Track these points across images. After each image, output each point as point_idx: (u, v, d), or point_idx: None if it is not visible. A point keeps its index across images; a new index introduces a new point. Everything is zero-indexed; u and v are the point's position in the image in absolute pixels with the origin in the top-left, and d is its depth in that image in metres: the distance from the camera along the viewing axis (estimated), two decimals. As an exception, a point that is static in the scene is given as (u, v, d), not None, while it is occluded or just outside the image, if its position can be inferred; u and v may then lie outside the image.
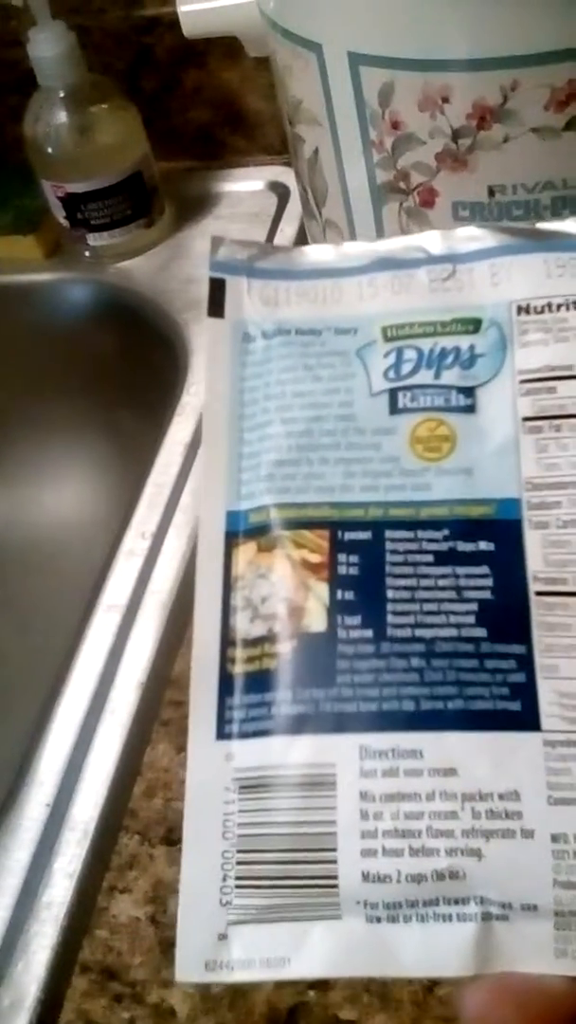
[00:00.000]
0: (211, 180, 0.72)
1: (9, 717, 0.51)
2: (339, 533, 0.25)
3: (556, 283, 0.26)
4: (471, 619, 0.24)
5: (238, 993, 0.35)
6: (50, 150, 0.63)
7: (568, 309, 0.26)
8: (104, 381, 0.71)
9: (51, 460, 0.75)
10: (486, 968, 0.21)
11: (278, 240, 0.66)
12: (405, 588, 0.24)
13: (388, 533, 0.25)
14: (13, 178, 0.69)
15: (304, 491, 0.26)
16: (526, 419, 0.25)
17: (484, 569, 0.24)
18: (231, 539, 0.26)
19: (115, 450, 0.72)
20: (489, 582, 0.24)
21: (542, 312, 0.26)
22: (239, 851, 0.23)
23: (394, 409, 0.26)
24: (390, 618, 0.24)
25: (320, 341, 0.27)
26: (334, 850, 0.22)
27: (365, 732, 0.23)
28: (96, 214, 0.65)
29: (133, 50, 0.69)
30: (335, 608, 0.24)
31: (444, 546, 0.24)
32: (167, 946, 0.37)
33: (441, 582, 0.24)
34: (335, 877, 0.22)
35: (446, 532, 0.25)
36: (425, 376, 0.26)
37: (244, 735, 0.24)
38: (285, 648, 0.24)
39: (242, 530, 0.26)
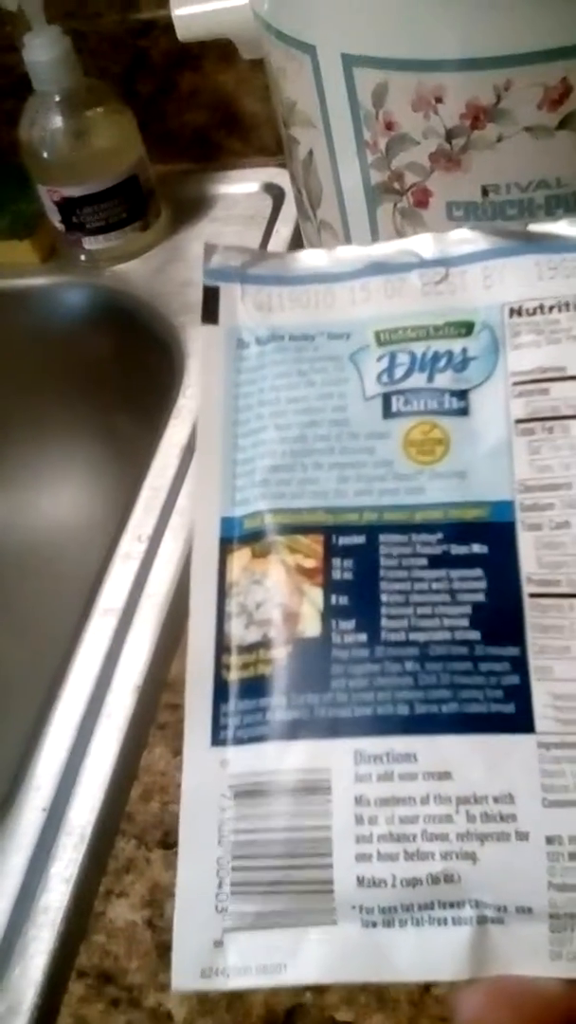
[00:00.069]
0: (207, 182, 0.72)
1: (5, 721, 0.51)
2: (333, 538, 0.25)
3: (548, 285, 0.26)
4: (465, 622, 0.24)
5: (235, 996, 0.35)
6: (46, 154, 0.63)
7: (560, 311, 0.26)
8: (100, 384, 0.71)
9: (48, 463, 0.75)
10: (482, 971, 0.21)
11: (274, 241, 0.66)
12: (399, 592, 0.24)
13: (382, 537, 0.25)
14: (9, 182, 0.69)
15: (298, 496, 0.26)
16: (519, 421, 0.25)
17: (478, 572, 0.24)
18: (226, 545, 0.26)
19: (111, 453, 0.72)
20: (483, 585, 0.24)
21: (534, 314, 0.26)
22: (234, 857, 0.23)
23: (387, 413, 0.26)
24: (384, 622, 0.24)
25: (313, 346, 0.27)
26: (329, 855, 0.22)
27: (360, 736, 0.23)
28: (92, 218, 0.65)
29: (128, 54, 0.69)
30: (329, 613, 0.24)
31: (438, 549, 0.24)
32: (164, 950, 0.37)
33: (435, 585, 0.24)
34: (330, 882, 0.22)
35: (440, 535, 0.25)
36: (418, 380, 0.26)
37: (239, 741, 0.24)
38: (280, 654, 0.24)
39: (237, 536, 0.26)
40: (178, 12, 0.49)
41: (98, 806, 0.41)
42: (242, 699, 0.24)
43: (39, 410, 0.73)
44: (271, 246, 0.66)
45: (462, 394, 0.26)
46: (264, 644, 0.24)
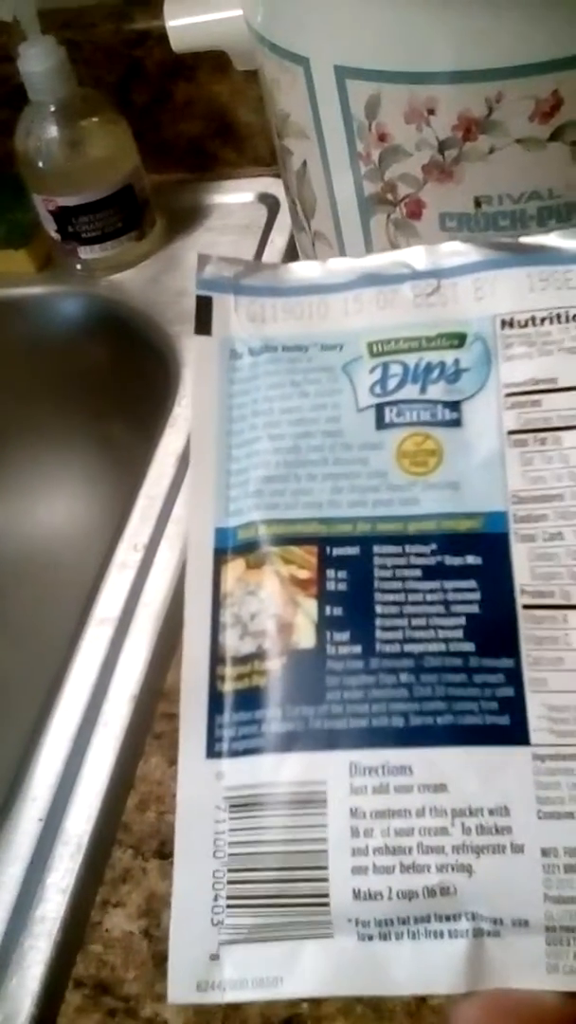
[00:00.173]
0: (201, 192, 0.72)
1: (1, 731, 0.51)
2: (327, 549, 0.25)
3: (539, 297, 0.27)
4: (459, 633, 0.24)
5: (232, 1007, 0.35)
6: (41, 164, 0.63)
7: (552, 322, 0.26)
8: (96, 393, 0.71)
9: (43, 472, 0.75)
10: (478, 984, 0.21)
11: (268, 251, 0.67)
12: (393, 603, 0.24)
13: (376, 548, 0.25)
14: (4, 192, 0.69)
15: (292, 507, 0.26)
16: (511, 432, 0.26)
17: (472, 583, 0.24)
18: (220, 556, 0.26)
19: (107, 462, 0.72)
20: (477, 596, 0.24)
21: (526, 326, 0.26)
22: (230, 870, 0.23)
23: (380, 424, 0.26)
24: (379, 633, 0.24)
25: (307, 357, 0.27)
26: (325, 868, 0.22)
27: (355, 749, 0.23)
28: (87, 227, 0.65)
29: (123, 64, 0.70)
30: (324, 624, 0.24)
31: (432, 560, 0.24)
32: (160, 960, 0.37)
33: (429, 597, 0.24)
34: (326, 895, 0.22)
35: (434, 546, 0.25)
36: (411, 391, 0.26)
37: (234, 753, 0.24)
38: (274, 665, 0.24)
39: (231, 547, 0.26)
40: (172, 23, 0.49)
41: (94, 816, 0.41)
42: (237, 711, 0.24)
43: (35, 419, 0.73)
44: (266, 256, 0.66)
45: (455, 405, 0.26)
46: (259, 655, 0.24)
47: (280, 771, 0.23)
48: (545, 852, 0.22)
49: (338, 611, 0.24)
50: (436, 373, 0.26)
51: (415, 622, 0.24)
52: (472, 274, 0.27)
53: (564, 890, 0.22)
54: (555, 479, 0.25)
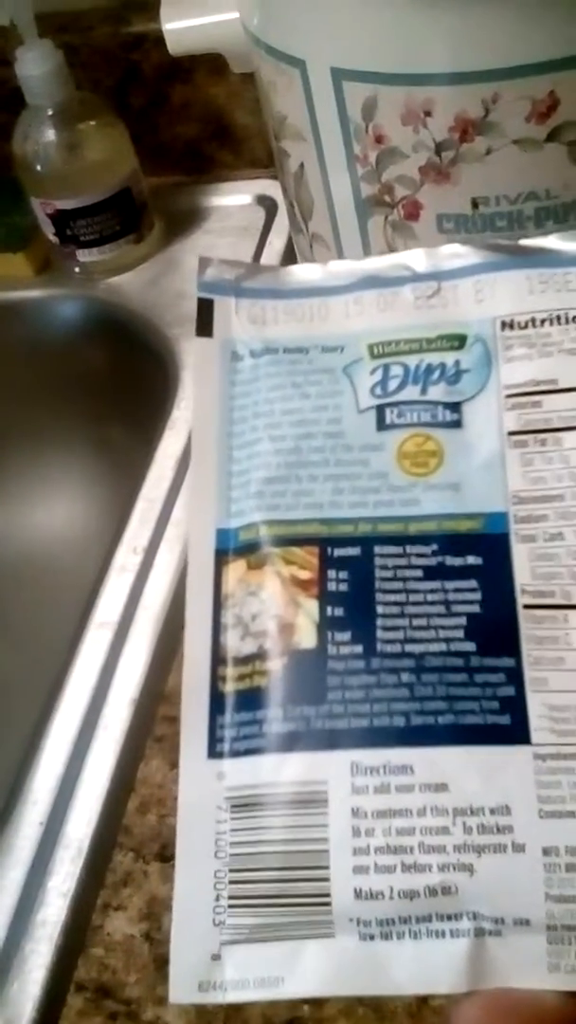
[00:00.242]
0: (199, 194, 0.72)
1: (2, 734, 0.51)
2: (328, 549, 0.25)
3: (539, 298, 0.27)
4: (460, 633, 0.24)
5: (233, 1009, 0.35)
6: (39, 168, 0.63)
7: (551, 324, 0.26)
8: (95, 396, 0.71)
9: (43, 475, 0.75)
10: (479, 984, 0.21)
11: (266, 253, 0.67)
12: (394, 603, 0.24)
13: (377, 549, 0.25)
14: (2, 196, 0.69)
15: (293, 508, 0.26)
16: (512, 433, 0.26)
17: (472, 583, 0.24)
18: (221, 557, 0.26)
19: (106, 465, 0.72)
20: (478, 596, 0.24)
21: (526, 327, 0.27)
22: (231, 870, 0.23)
23: (381, 425, 0.26)
24: (380, 634, 0.24)
25: (307, 359, 0.27)
26: (326, 867, 0.22)
27: (356, 748, 0.23)
28: (85, 230, 0.65)
29: (121, 67, 0.70)
30: (325, 624, 0.24)
31: (433, 561, 0.25)
32: (162, 963, 0.37)
33: (430, 597, 0.24)
34: (328, 895, 0.22)
35: (435, 547, 0.25)
36: (411, 392, 0.26)
37: (235, 753, 0.24)
38: (276, 665, 0.24)
39: (232, 548, 0.26)
40: (168, 26, 0.49)
41: (95, 819, 0.41)
42: (238, 711, 0.24)
43: (34, 422, 0.73)
44: (264, 258, 0.66)
45: (455, 406, 0.26)
46: (260, 656, 0.24)
47: (281, 771, 0.23)
48: (546, 851, 0.22)
49: (339, 611, 0.24)
50: (437, 374, 0.26)
51: (416, 622, 0.24)
52: (472, 276, 0.27)
53: (565, 889, 0.22)
54: (555, 480, 0.25)
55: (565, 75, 0.37)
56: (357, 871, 0.22)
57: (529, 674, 0.23)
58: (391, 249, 0.44)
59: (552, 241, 0.27)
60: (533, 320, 0.27)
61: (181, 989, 0.22)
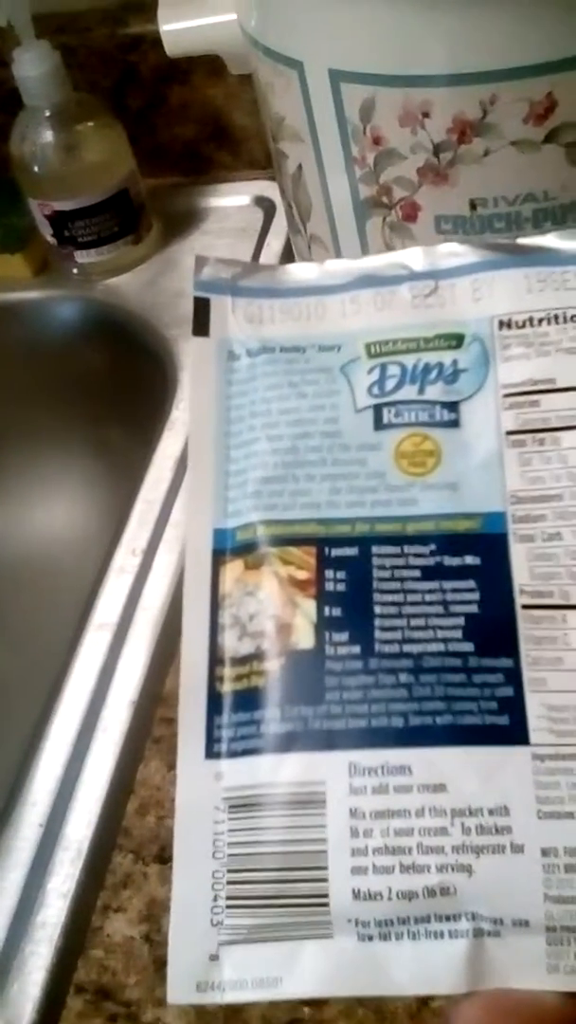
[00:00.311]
0: (197, 196, 0.72)
1: (1, 736, 0.51)
2: (326, 549, 0.25)
3: (537, 298, 0.27)
4: (458, 633, 0.24)
5: (233, 1011, 0.35)
6: (36, 169, 0.63)
7: (549, 323, 0.26)
8: (94, 397, 0.71)
9: (41, 477, 0.75)
10: (478, 985, 0.21)
11: (265, 254, 0.67)
12: (392, 604, 0.24)
13: (375, 549, 0.25)
14: (0, 197, 0.69)
15: (290, 508, 0.26)
16: (510, 433, 0.26)
17: (471, 583, 0.24)
18: (218, 557, 0.26)
19: (105, 466, 0.72)
20: (476, 596, 0.24)
21: (524, 327, 0.26)
22: (229, 871, 0.23)
23: (379, 425, 0.26)
24: (378, 634, 0.24)
25: (304, 358, 0.27)
26: (325, 868, 0.22)
27: (354, 749, 0.23)
28: (83, 232, 0.65)
29: (118, 68, 0.70)
30: (323, 625, 0.24)
31: (431, 561, 0.25)
32: (162, 965, 0.37)
33: (428, 597, 0.24)
34: (326, 895, 0.22)
35: (432, 547, 0.25)
36: (409, 392, 0.26)
37: (233, 754, 0.24)
38: (273, 666, 0.24)
39: (229, 548, 0.26)
40: (166, 28, 0.49)
41: (95, 821, 0.41)
42: (236, 711, 0.24)
43: (32, 424, 0.73)
44: (262, 259, 0.66)
45: (453, 406, 0.26)
46: (257, 656, 0.24)
47: (279, 771, 0.23)
48: (545, 852, 0.22)
49: (337, 611, 0.24)
50: (434, 374, 0.26)
51: (414, 622, 0.24)
52: (470, 275, 0.27)
53: (564, 890, 0.22)
54: (554, 479, 0.25)
55: (563, 76, 0.37)
56: (355, 872, 0.22)
57: (527, 674, 0.23)
58: (389, 250, 0.44)
59: (550, 240, 0.27)
60: (531, 319, 0.26)
61: (179, 989, 0.22)
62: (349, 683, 0.24)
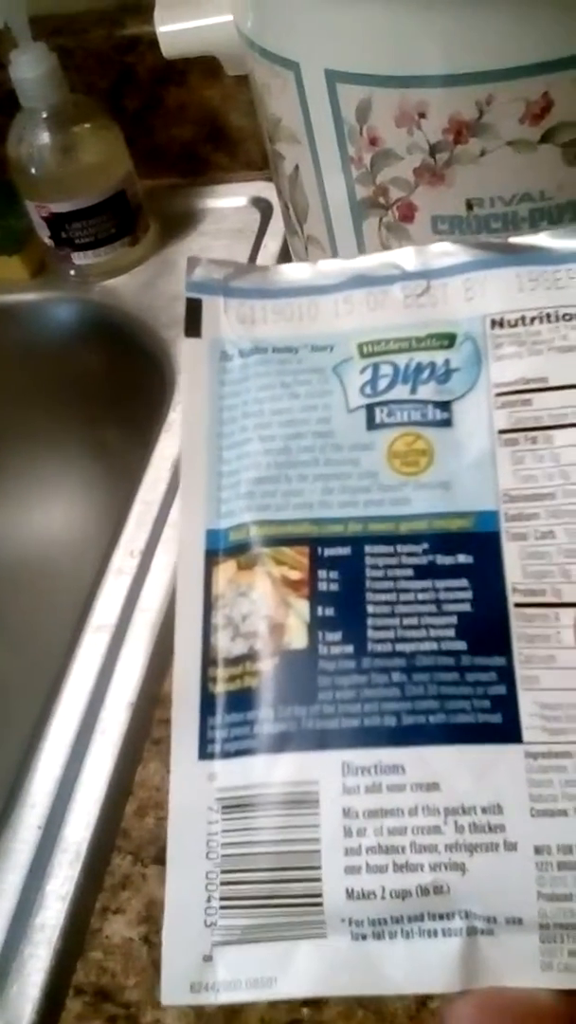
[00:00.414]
0: (194, 197, 0.72)
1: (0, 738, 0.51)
2: (319, 549, 0.25)
3: (529, 296, 0.27)
4: (451, 632, 0.24)
5: (233, 1012, 0.35)
6: (33, 171, 0.63)
7: (541, 322, 0.26)
8: (91, 399, 0.71)
9: (39, 478, 0.75)
10: (472, 983, 0.21)
11: (262, 255, 0.67)
12: (385, 603, 0.24)
13: (368, 548, 0.25)
14: (-2, 199, 0.69)
15: (283, 508, 0.26)
16: (502, 432, 0.26)
17: (463, 582, 0.24)
18: (211, 558, 0.26)
19: (103, 468, 0.72)
20: (468, 595, 0.24)
21: (516, 325, 0.26)
22: (223, 871, 0.23)
23: (371, 424, 0.26)
24: (371, 633, 0.24)
25: (297, 358, 0.27)
26: (318, 868, 0.22)
27: (347, 748, 0.23)
28: (80, 233, 0.65)
29: (115, 70, 0.70)
30: (316, 625, 0.24)
31: (423, 560, 0.25)
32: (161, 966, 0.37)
33: (421, 596, 0.24)
34: (319, 895, 0.22)
35: (425, 546, 0.25)
36: (401, 391, 0.26)
37: (227, 754, 0.24)
38: (266, 666, 0.24)
39: (222, 548, 0.26)
40: (162, 29, 0.50)
41: (93, 823, 0.41)
42: (229, 712, 0.24)
43: (30, 426, 0.73)
44: (259, 260, 0.66)
45: (445, 405, 0.26)
46: (251, 656, 0.24)
47: (272, 772, 0.23)
48: (538, 850, 0.22)
49: (330, 611, 0.24)
50: (426, 373, 0.26)
51: (407, 621, 0.24)
52: (462, 274, 0.27)
53: (557, 888, 0.22)
54: (546, 478, 0.25)
55: (559, 76, 0.37)
56: (349, 871, 0.22)
57: (520, 672, 0.23)
58: (386, 251, 0.44)
59: (542, 239, 0.27)
60: (523, 318, 0.26)
61: (173, 990, 0.22)
62: (342, 683, 0.24)
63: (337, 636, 0.24)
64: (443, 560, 0.24)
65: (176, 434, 0.56)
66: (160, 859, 0.40)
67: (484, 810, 0.22)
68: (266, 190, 0.70)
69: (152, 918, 0.38)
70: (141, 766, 0.43)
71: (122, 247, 0.67)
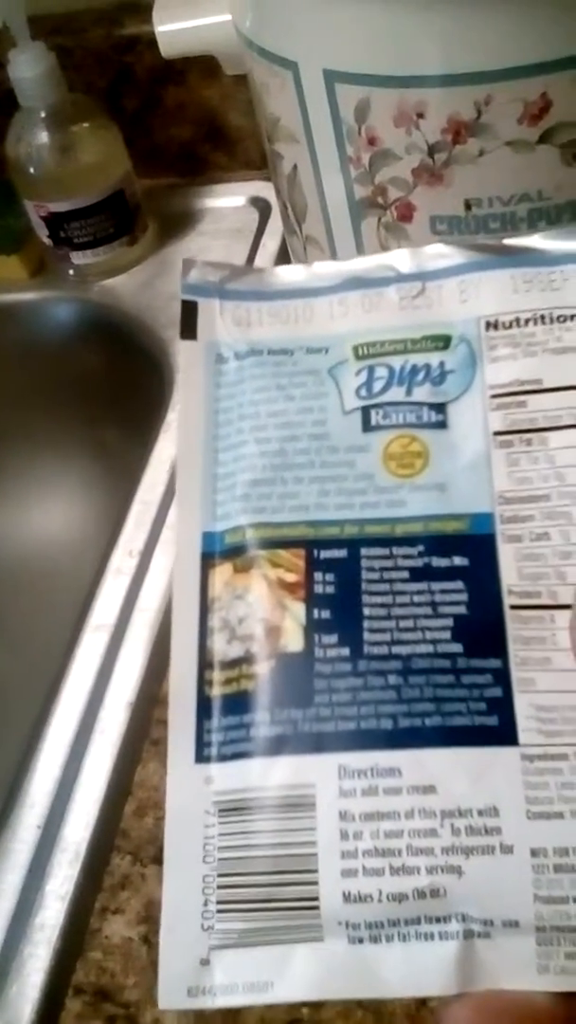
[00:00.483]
0: (193, 196, 0.72)
1: (-1, 738, 0.51)
2: (315, 552, 0.25)
3: (523, 298, 0.27)
4: (447, 635, 0.24)
5: (231, 1013, 0.35)
6: (32, 170, 0.63)
7: (536, 324, 0.26)
8: (90, 399, 0.71)
9: (38, 479, 0.75)
10: (469, 986, 0.21)
11: (260, 255, 0.67)
12: (381, 605, 0.24)
13: (364, 550, 0.25)
14: (-4, 198, 0.69)
15: (279, 510, 0.26)
16: (497, 433, 0.26)
17: (459, 584, 0.24)
18: (207, 560, 0.26)
19: (102, 468, 0.72)
20: (464, 597, 0.24)
21: (510, 327, 0.26)
22: (220, 875, 0.23)
23: (367, 427, 0.26)
24: (367, 635, 0.24)
25: (292, 361, 0.27)
26: (315, 871, 0.22)
27: (344, 751, 0.23)
28: (79, 233, 0.65)
29: (114, 69, 0.70)
30: (312, 627, 0.24)
31: (419, 562, 0.24)
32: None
33: (417, 598, 0.24)
34: (316, 899, 0.22)
35: (421, 548, 0.25)
36: (396, 393, 0.26)
37: (223, 758, 0.24)
38: (263, 669, 0.24)
39: (218, 551, 0.26)
40: (161, 29, 0.50)
41: (92, 823, 0.41)
42: (225, 715, 0.24)
43: (28, 426, 0.73)
44: (258, 260, 0.66)
45: (440, 407, 0.26)
46: (247, 659, 0.24)
47: (269, 775, 0.23)
48: (534, 852, 0.22)
49: (326, 614, 0.24)
50: (421, 375, 0.26)
51: (403, 624, 0.24)
52: (457, 276, 0.27)
53: (554, 890, 0.22)
54: (541, 480, 0.25)
55: (557, 77, 0.37)
56: (345, 874, 0.22)
57: (516, 675, 0.23)
58: (384, 251, 0.44)
59: (536, 240, 0.27)
60: (518, 320, 0.26)
61: (170, 994, 0.22)
62: (338, 685, 0.24)
63: (333, 639, 0.24)
64: (439, 562, 0.24)
65: (175, 435, 0.56)
66: (159, 859, 0.39)
67: (480, 813, 0.22)
68: (264, 190, 0.70)
69: (151, 918, 0.38)
70: (140, 766, 0.43)
71: (121, 247, 0.67)
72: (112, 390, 0.69)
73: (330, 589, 0.24)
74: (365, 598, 0.24)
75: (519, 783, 0.22)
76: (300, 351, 0.27)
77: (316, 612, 0.24)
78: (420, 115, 0.39)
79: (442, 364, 0.26)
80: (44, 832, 0.41)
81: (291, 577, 0.25)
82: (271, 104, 0.45)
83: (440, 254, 0.28)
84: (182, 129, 0.72)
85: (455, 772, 0.23)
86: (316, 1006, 0.35)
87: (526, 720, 0.23)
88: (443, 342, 0.27)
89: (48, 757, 0.43)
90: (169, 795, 0.24)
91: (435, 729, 0.23)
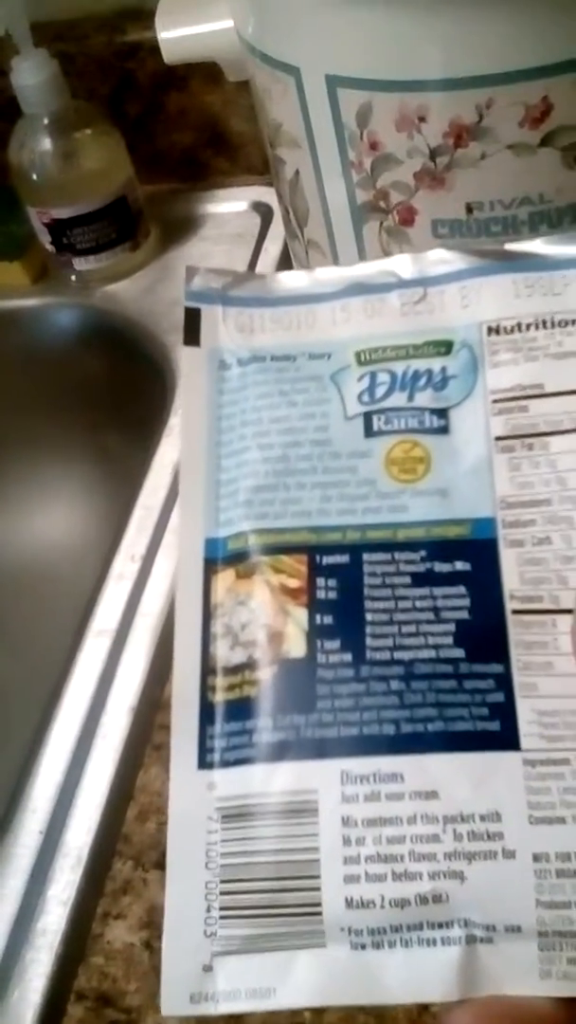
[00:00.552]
0: (195, 202, 0.72)
1: (1, 743, 0.51)
2: (317, 557, 0.25)
3: (525, 303, 0.27)
4: (449, 640, 0.24)
5: (234, 1019, 0.35)
6: (35, 176, 0.63)
7: (537, 328, 0.26)
8: (92, 404, 0.71)
9: (40, 484, 0.75)
10: (471, 991, 0.21)
11: (262, 260, 0.67)
12: (383, 611, 0.24)
13: (366, 556, 0.25)
14: (-1, 204, 0.70)
15: (282, 516, 0.26)
16: (499, 438, 0.26)
17: (461, 589, 0.24)
18: (210, 566, 0.26)
19: (104, 473, 0.73)
20: (466, 602, 0.24)
21: (512, 332, 0.27)
22: (223, 881, 0.23)
23: (369, 432, 0.26)
24: (369, 641, 0.24)
25: (295, 367, 0.27)
26: (317, 877, 0.22)
27: (346, 757, 0.23)
28: (81, 239, 0.65)
29: (116, 75, 0.70)
30: (314, 633, 0.24)
31: (421, 567, 0.25)
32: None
33: (419, 603, 0.24)
34: (319, 904, 0.22)
35: (423, 553, 0.25)
36: (399, 399, 0.26)
37: (226, 764, 0.24)
38: (265, 675, 0.24)
39: (221, 557, 0.26)
40: (163, 35, 0.50)
41: (95, 828, 0.41)
42: (228, 721, 0.24)
43: (31, 431, 0.73)
44: (260, 264, 0.66)
45: (442, 412, 0.26)
46: (249, 665, 0.24)
47: (271, 781, 0.23)
48: (537, 857, 0.22)
49: (328, 620, 0.24)
50: (423, 381, 0.26)
51: (405, 629, 0.24)
52: (458, 281, 0.27)
53: (556, 895, 0.22)
54: (543, 484, 0.25)
55: (558, 80, 0.37)
56: (348, 880, 0.22)
57: (518, 679, 0.23)
58: (386, 255, 0.44)
59: (537, 245, 0.27)
60: (519, 325, 0.27)
61: (173, 1001, 0.22)
62: (341, 691, 0.24)
63: (335, 644, 0.24)
64: (441, 567, 0.24)
65: (177, 439, 0.56)
66: (161, 864, 0.40)
67: (483, 818, 0.22)
68: (267, 195, 0.70)
69: (153, 923, 0.38)
70: (142, 771, 0.43)
71: (123, 252, 0.67)
72: (114, 395, 0.69)
73: (332, 595, 0.24)
74: (367, 603, 0.24)
75: (521, 788, 0.22)
76: (302, 357, 0.28)
77: (318, 618, 0.24)
78: (422, 119, 0.39)
79: (444, 369, 0.27)
80: (46, 837, 0.41)
81: (293, 583, 0.25)
82: (273, 109, 0.45)
83: (441, 259, 0.28)
84: (184, 135, 0.72)
85: (457, 777, 0.23)
86: (318, 1012, 0.35)
87: (528, 725, 0.23)
88: (445, 347, 0.27)
89: (50, 762, 0.43)
90: (172, 800, 0.24)
91: (437, 734, 0.23)
